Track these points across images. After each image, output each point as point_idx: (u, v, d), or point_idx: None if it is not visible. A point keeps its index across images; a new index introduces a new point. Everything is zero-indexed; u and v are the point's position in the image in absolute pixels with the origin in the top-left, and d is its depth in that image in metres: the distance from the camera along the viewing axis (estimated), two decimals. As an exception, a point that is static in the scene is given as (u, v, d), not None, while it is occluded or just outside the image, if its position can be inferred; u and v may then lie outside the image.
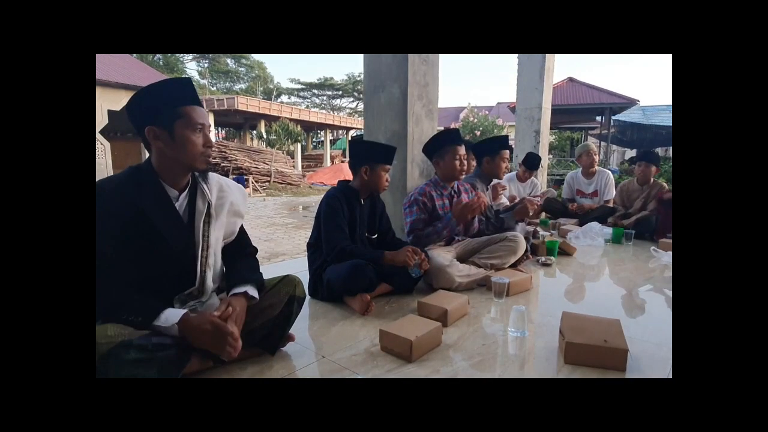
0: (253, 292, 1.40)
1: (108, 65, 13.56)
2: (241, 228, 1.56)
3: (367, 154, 2.23)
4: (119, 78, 13.77)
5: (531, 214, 2.95)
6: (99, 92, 13.06)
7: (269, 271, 2.94)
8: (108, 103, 13.54)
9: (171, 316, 1.19)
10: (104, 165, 13.93)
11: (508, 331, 1.81)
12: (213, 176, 1.44)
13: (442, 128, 3.16)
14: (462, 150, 2.57)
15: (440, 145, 2.60)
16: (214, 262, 1.42)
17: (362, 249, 2.14)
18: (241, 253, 1.55)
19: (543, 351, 1.68)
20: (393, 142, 2.90)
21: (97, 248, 1.11)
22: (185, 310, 1.23)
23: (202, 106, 1.32)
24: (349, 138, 27.25)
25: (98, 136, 13.50)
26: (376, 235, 2.37)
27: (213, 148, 1.36)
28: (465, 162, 2.59)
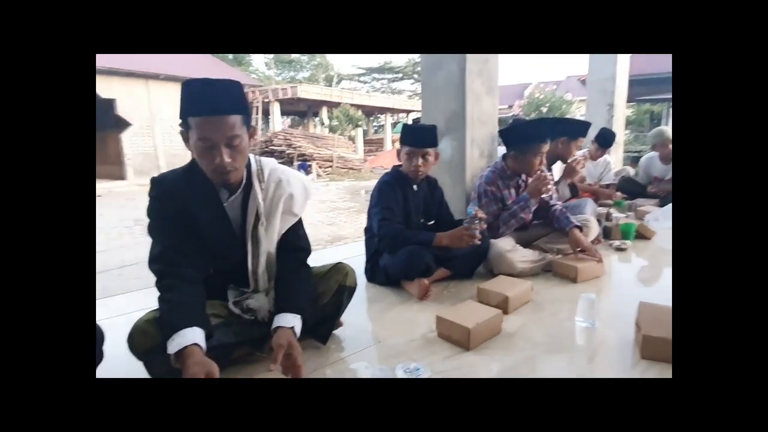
0: (299, 326, 1.29)
1: (183, 64, 14.36)
2: (294, 226, 1.40)
3: (402, 135, 2.12)
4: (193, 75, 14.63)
5: (580, 168, 2.96)
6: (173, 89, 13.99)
7: (330, 254, 3.00)
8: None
9: (181, 340, 1.06)
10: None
11: (576, 321, 1.69)
12: (275, 171, 1.34)
13: (506, 107, 3.04)
14: (546, 146, 2.31)
15: (526, 139, 2.28)
16: (268, 264, 1.38)
17: (413, 232, 2.06)
18: (290, 259, 1.40)
19: (615, 344, 1.55)
20: (452, 122, 2.80)
21: (164, 238, 1.21)
22: (195, 342, 1.08)
23: (228, 113, 1.10)
24: (411, 121, 27.04)
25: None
26: (433, 222, 2.31)
27: (227, 169, 1.15)
28: (544, 158, 2.34)
